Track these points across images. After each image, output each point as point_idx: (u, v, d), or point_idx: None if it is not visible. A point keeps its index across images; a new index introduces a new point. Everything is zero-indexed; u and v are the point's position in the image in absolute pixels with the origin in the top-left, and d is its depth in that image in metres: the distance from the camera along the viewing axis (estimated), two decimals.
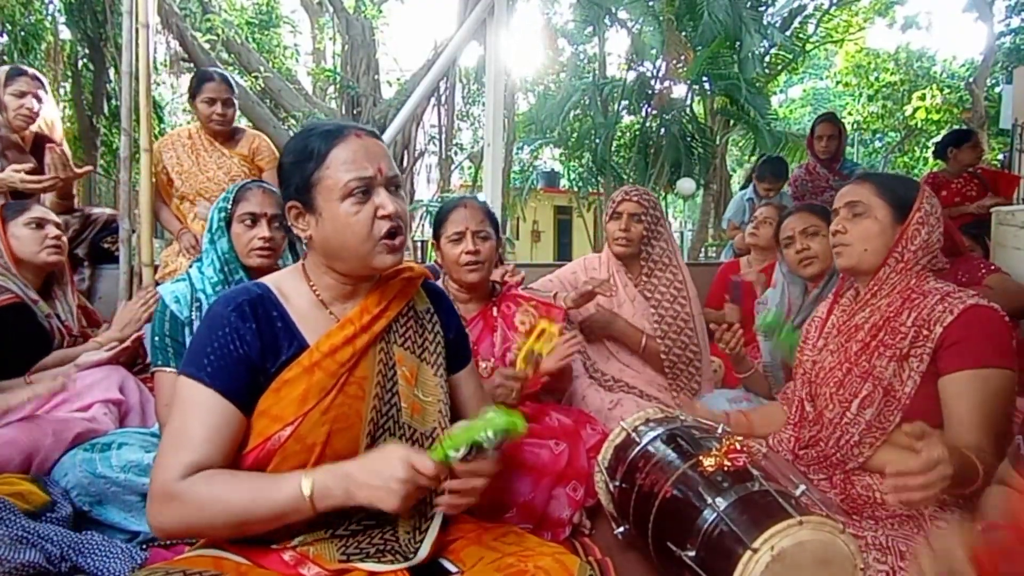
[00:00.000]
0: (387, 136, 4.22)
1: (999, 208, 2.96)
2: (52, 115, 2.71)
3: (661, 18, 8.07)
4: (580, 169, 10.57)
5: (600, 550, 1.43)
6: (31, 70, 2.63)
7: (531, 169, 12.36)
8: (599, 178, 9.45)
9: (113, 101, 8.78)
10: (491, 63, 4.01)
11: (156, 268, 2.74)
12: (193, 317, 1.58)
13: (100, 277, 2.94)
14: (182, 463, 0.93)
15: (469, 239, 1.72)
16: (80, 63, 9.07)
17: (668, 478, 1.23)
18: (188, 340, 1.55)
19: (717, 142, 9.64)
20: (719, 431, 1.37)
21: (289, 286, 1.10)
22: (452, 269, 1.77)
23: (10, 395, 1.70)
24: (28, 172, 2.36)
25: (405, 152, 8.22)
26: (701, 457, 1.22)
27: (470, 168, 11.02)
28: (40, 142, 2.59)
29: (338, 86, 9.08)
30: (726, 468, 1.18)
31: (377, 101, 8.45)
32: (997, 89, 11.49)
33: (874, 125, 15.20)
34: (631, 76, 8.94)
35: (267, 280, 1.11)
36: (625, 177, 9.09)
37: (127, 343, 1.93)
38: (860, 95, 15.50)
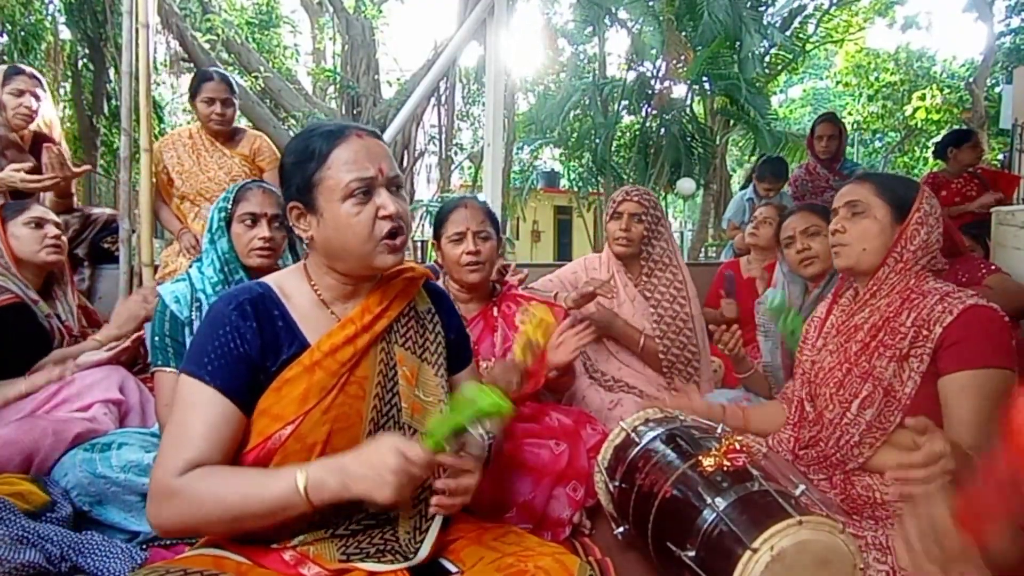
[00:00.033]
0: (387, 136, 4.22)
1: (999, 208, 2.97)
2: (50, 114, 2.71)
3: (661, 18, 8.08)
4: (580, 169, 10.58)
5: (600, 550, 1.43)
6: (29, 68, 2.63)
7: (531, 169, 12.37)
8: (599, 178, 9.45)
9: (113, 101, 8.78)
10: (491, 63, 4.01)
11: (156, 268, 2.74)
12: (193, 317, 1.58)
13: (100, 277, 2.94)
14: (181, 460, 0.93)
15: (470, 239, 1.72)
16: (80, 63, 9.08)
17: (668, 478, 1.23)
18: (188, 340, 1.55)
19: (717, 142, 9.65)
20: (719, 431, 1.37)
21: (290, 285, 1.10)
22: (453, 269, 1.77)
23: (8, 387, 1.70)
24: (27, 171, 2.36)
25: (405, 152, 8.22)
26: (701, 457, 1.22)
27: (470, 168, 11.03)
28: (39, 141, 2.59)
29: (338, 86, 9.09)
30: (726, 468, 1.18)
31: (377, 101, 8.45)
32: (997, 89, 11.50)
33: (874, 125, 15.21)
34: (631, 76, 8.95)
35: (268, 279, 1.11)
36: (625, 177, 9.09)
37: (127, 343, 1.93)
38: (860, 95, 15.51)
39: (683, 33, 7.95)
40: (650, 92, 8.59)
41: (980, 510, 0.61)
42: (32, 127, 2.59)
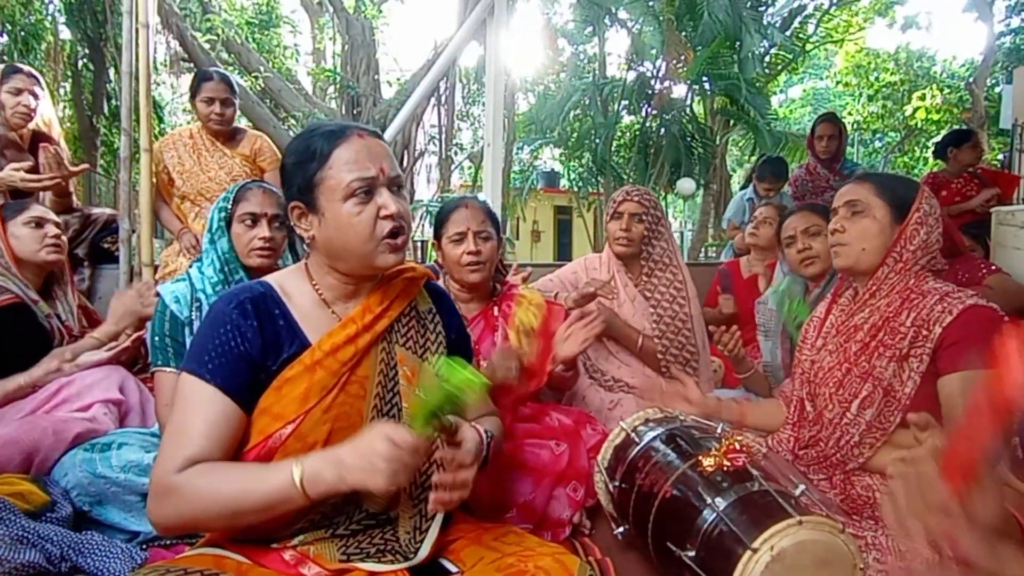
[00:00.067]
0: (387, 136, 4.21)
1: (999, 208, 2.97)
2: (49, 112, 2.71)
3: (661, 18, 8.08)
4: (580, 169, 10.58)
5: (600, 550, 1.43)
6: (26, 67, 2.63)
7: (531, 169, 12.38)
8: (599, 178, 9.46)
9: (113, 101, 8.79)
10: (491, 63, 4.01)
11: (156, 268, 2.74)
12: (193, 317, 1.58)
13: (100, 277, 2.94)
14: (180, 457, 0.93)
15: (470, 239, 1.72)
16: (80, 63, 9.09)
17: (668, 478, 1.23)
18: (188, 340, 1.55)
19: (717, 142, 9.65)
20: (719, 431, 1.37)
21: (291, 285, 1.10)
22: (453, 269, 1.77)
23: (7, 380, 1.70)
24: (27, 171, 2.36)
25: (405, 152, 8.22)
26: (700, 457, 1.22)
27: (470, 168, 11.03)
28: (38, 140, 2.59)
29: (338, 86, 9.09)
30: (725, 468, 1.18)
31: (377, 101, 8.45)
32: (997, 89, 11.51)
33: (874, 125, 15.21)
34: (631, 76, 8.96)
35: (269, 279, 1.11)
36: (625, 177, 9.10)
37: (127, 343, 1.93)
38: (860, 95, 15.51)
39: (683, 33, 7.95)
40: (650, 92, 8.60)
41: (964, 461, 0.61)
42: (31, 126, 2.59)
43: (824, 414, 1.39)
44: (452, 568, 1.06)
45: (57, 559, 1.22)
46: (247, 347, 1.00)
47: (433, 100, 8.32)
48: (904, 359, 1.29)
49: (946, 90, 14.01)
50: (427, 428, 0.93)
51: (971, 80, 12.30)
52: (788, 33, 9.98)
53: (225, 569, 0.95)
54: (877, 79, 14.82)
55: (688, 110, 8.96)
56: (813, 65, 17.08)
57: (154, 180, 2.73)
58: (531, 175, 11.95)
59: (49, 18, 8.61)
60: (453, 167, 10.05)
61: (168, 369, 1.53)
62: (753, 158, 8.24)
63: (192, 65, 8.11)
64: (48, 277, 2.05)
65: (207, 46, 7.95)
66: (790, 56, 10.59)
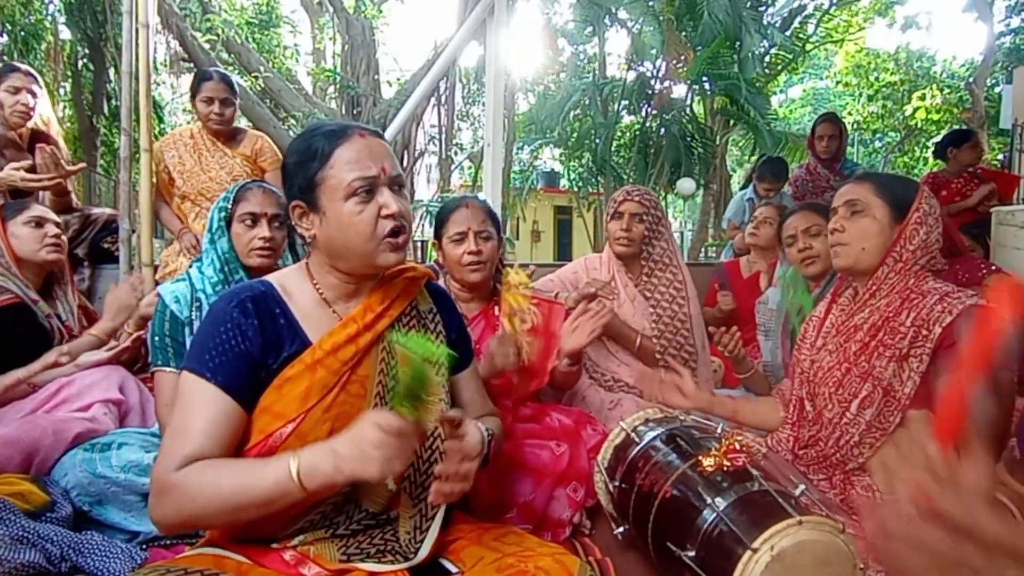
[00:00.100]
0: (387, 136, 4.21)
1: (999, 208, 2.97)
2: (47, 111, 2.71)
3: (661, 18, 8.08)
4: (580, 169, 10.58)
5: (600, 550, 1.43)
6: (23, 66, 2.63)
7: (531, 169, 12.38)
8: (599, 178, 9.46)
9: (113, 101, 8.80)
10: (491, 63, 4.01)
11: (156, 268, 2.74)
12: (193, 317, 1.58)
13: (100, 277, 2.94)
14: (180, 456, 0.93)
15: (471, 239, 1.72)
16: (80, 63, 9.09)
17: (668, 478, 1.23)
18: (188, 340, 1.55)
19: (717, 142, 9.65)
20: (719, 431, 1.37)
21: (292, 284, 1.10)
22: (454, 269, 1.77)
23: (5, 376, 1.70)
24: (26, 170, 2.36)
25: (405, 152, 8.22)
26: (700, 457, 1.22)
27: (470, 168, 11.03)
28: (37, 139, 2.59)
29: (338, 86, 9.09)
30: (725, 468, 1.18)
31: (377, 101, 8.45)
32: (997, 89, 11.51)
33: (874, 125, 15.22)
34: (631, 76, 8.96)
35: (270, 278, 1.11)
36: (625, 177, 9.10)
37: (127, 343, 1.93)
38: (860, 95, 15.51)
39: (683, 33, 7.95)
40: (650, 92, 8.60)
41: (953, 418, 0.62)
42: (29, 125, 2.58)
43: (824, 414, 1.39)
44: (452, 568, 1.06)
45: (57, 559, 1.22)
46: (248, 346, 1.00)
47: (433, 100, 8.31)
48: (904, 359, 1.28)
49: (946, 90, 14.02)
50: (409, 409, 0.90)
51: (971, 80, 12.30)
52: (788, 33, 9.98)
53: (225, 569, 0.94)
54: (877, 79, 14.82)
55: (688, 110, 8.97)
56: (813, 65, 17.08)
57: (154, 180, 2.73)
58: (531, 175, 11.95)
59: (49, 18, 8.61)
60: (453, 167, 10.05)
61: (168, 369, 1.53)
62: (753, 158, 8.24)
63: (192, 65, 8.10)
64: (48, 277, 2.05)
65: (207, 46, 7.94)
66: (790, 56, 10.59)
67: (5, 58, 7.39)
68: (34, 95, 2.55)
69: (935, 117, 13.95)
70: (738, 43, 7.85)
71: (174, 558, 1.03)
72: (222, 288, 1.63)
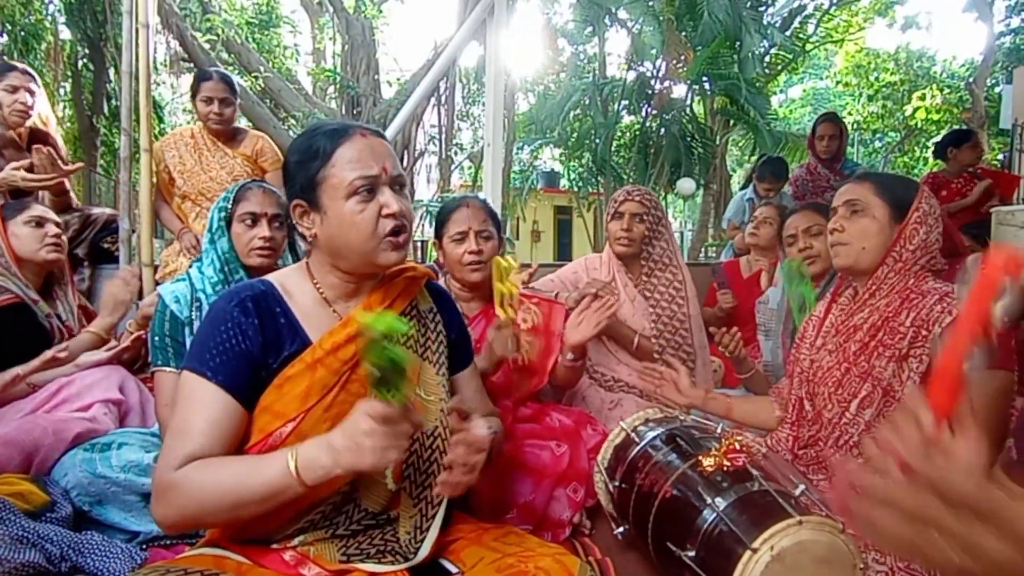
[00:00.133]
0: (387, 136, 4.22)
1: (999, 208, 2.97)
2: (46, 110, 2.71)
3: (661, 18, 8.08)
4: (580, 169, 10.58)
5: (600, 550, 1.43)
6: (21, 65, 2.62)
7: (531, 169, 12.39)
8: (599, 178, 9.46)
9: (113, 101, 8.80)
10: (491, 63, 4.01)
11: (156, 268, 2.74)
12: (193, 317, 1.58)
13: (100, 277, 2.94)
14: (181, 455, 0.93)
15: (472, 239, 1.72)
16: (80, 63, 9.10)
17: (668, 478, 1.23)
18: (188, 340, 1.55)
19: (717, 142, 9.66)
20: (719, 431, 1.37)
21: (293, 283, 1.10)
22: (455, 268, 1.77)
23: (4, 373, 1.70)
24: (26, 169, 2.36)
25: (405, 152, 8.23)
26: (700, 457, 1.22)
27: (470, 168, 11.04)
28: (36, 138, 2.58)
29: (338, 86, 9.10)
30: (725, 468, 1.18)
31: (377, 101, 8.46)
32: (997, 89, 11.52)
33: (874, 125, 15.23)
34: (631, 76, 8.96)
35: (271, 277, 1.11)
36: (625, 177, 9.10)
37: (128, 343, 1.93)
38: (860, 95, 15.52)
39: (683, 33, 7.95)
40: (650, 92, 8.60)
41: (948, 387, 0.62)
42: (28, 124, 2.58)
43: (823, 414, 1.39)
44: (452, 568, 1.06)
45: (57, 559, 1.22)
46: (248, 345, 1.00)
47: (433, 100, 8.32)
48: (903, 359, 1.28)
49: (946, 90, 14.03)
50: (387, 392, 0.88)
51: (971, 80, 12.31)
52: (788, 33, 9.99)
53: (225, 569, 0.94)
54: (877, 79, 14.83)
55: (688, 110, 8.97)
56: (813, 65, 17.09)
57: (154, 180, 2.73)
58: (531, 175, 11.95)
59: (49, 18, 8.62)
60: (453, 167, 10.05)
61: (168, 369, 1.53)
62: (753, 158, 8.24)
63: (192, 65, 8.11)
64: (48, 277, 2.05)
65: (207, 46, 7.95)
66: (790, 56, 10.60)
67: (5, 58, 7.39)
68: (32, 94, 2.55)
69: (935, 117, 13.96)
70: (738, 43, 7.85)
71: (174, 558, 1.03)
72: (222, 288, 1.63)
